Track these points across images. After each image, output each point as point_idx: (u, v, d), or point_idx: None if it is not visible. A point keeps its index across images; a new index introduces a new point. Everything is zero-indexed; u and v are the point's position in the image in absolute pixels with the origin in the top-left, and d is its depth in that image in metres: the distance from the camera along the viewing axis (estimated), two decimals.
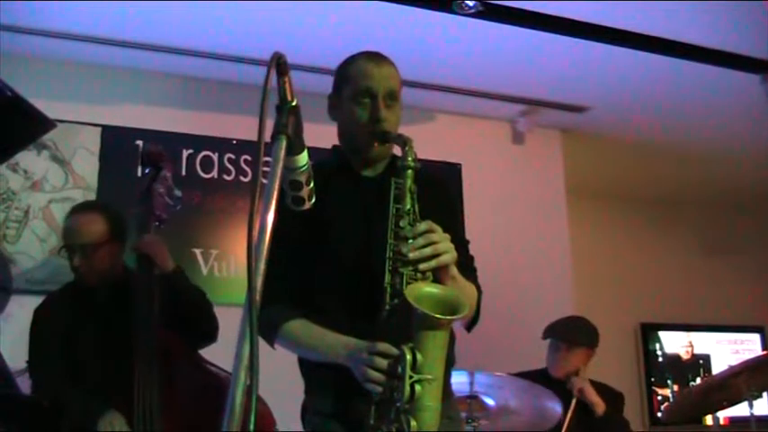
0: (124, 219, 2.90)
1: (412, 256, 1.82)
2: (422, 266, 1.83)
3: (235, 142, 4.44)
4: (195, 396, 2.72)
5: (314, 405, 2.06)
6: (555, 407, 3.43)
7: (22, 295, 3.67)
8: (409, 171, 1.95)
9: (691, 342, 6.73)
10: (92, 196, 4.09)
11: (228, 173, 4.39)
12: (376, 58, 2.12)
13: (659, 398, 6.53)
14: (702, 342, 6.75)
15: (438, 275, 1.88)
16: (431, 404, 1.70)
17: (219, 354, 2.91)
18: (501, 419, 3.44)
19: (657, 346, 6.67)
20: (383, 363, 1.73)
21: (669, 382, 6.61)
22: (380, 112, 2.03)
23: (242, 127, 4.30)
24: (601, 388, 3.95)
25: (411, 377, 1.66)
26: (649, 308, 6.63)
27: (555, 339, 3.87)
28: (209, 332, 2.85)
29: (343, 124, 2.15)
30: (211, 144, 4.40)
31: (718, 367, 6.49)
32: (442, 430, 1.76)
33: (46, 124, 2.77)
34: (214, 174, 4.36)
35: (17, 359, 3.19)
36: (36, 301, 3.73)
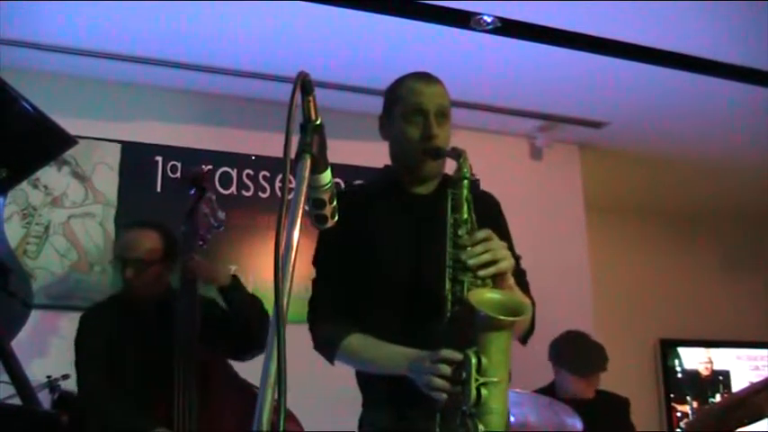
0: (177, 239, 3.00)
1: (471, 262, 1.82)
2: (481, 273, 1.82)
3: (253, 158, 4.45)
4: (232, 412, 2.77)
5: (370, 418, 2.08)
6: (575, 423, 3.41)
7: (42, 310, 3.71)
8: (465, 181, 1.95)
9: (710, 358, 6.67)
10: (111, 212, 4.12)
11: (247, 189, 4.40)
12: (426, 77, 2.14)
13: (678, 414, 6.47)
14: (722, 358, 6.69)
15: (496, 283, 1.88)
16: (497, 407, 1.67)
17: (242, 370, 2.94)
18: None
19: (677, 362, 6.62)
20: (447, 369, 1.72)
21: (688, 398, 6.55)
22: (432, 129, 2.05)
23: (261, 143, 4.33)
24: (606, 396, 3.93)
25: (477, 380, 1.65)
26: (668, 324, 6.58)
27: (570, 371, 3.85)
28: (263, 344, 2.91)
29: (395, 143, 2.16)
30: (230, 160, 4.42)
31: (737, 384, 6.43)
32: None
33: (68, 141, 2.80)
34: (233, 189, 4.37)
35: (40, 373, 3.22)
36: (56, 315, 3.79)
